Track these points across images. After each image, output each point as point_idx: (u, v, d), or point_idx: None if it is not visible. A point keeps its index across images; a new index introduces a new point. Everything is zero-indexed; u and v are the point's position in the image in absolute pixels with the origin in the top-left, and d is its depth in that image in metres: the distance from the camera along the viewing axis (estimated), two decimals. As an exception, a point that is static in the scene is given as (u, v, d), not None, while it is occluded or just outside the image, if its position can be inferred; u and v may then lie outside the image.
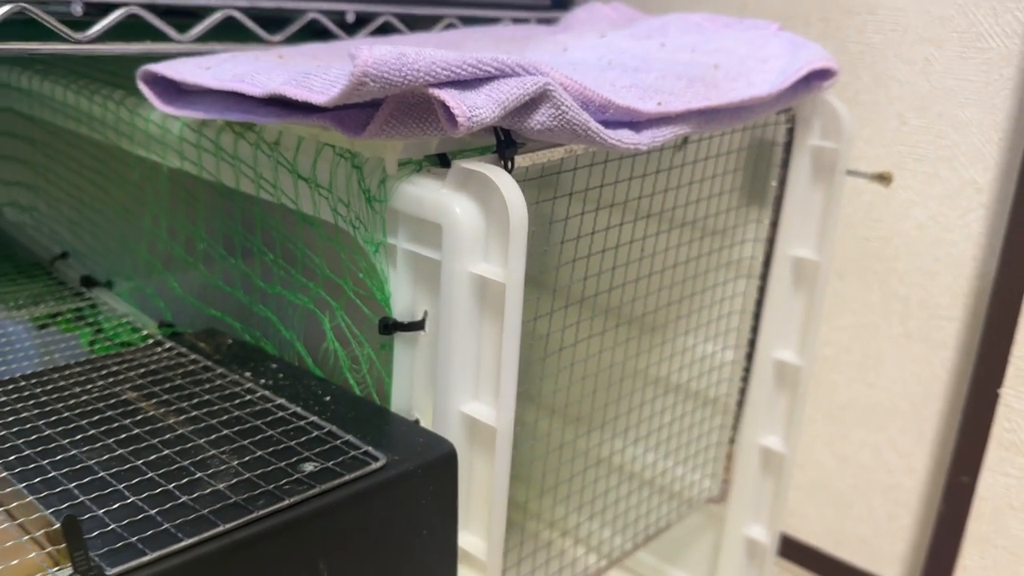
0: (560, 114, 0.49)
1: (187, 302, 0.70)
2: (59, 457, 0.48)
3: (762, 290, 0.81)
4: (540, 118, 0.49)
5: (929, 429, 0.90)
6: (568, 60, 0.68)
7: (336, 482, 0.46)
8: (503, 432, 0.51)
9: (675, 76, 0.63)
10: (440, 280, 0.50)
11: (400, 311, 0.54)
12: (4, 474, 0.47)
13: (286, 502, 0.44)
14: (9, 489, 0.45)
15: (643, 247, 0.74)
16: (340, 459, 0.48)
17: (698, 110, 0.61)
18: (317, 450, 0.49)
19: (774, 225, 0.79)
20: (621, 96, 0.55)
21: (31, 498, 0.44)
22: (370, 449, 0.49)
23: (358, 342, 0.56)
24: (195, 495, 0.45)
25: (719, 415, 0.86)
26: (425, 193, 0.50)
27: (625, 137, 0.54)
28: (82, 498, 0.44)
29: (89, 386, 0.57)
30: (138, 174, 0.71)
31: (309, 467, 0.48)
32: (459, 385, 0.52)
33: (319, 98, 0.47)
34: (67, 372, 0.60)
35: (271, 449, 0.49)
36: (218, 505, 0.44)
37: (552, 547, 0.84)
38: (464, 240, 0.49)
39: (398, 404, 0.55)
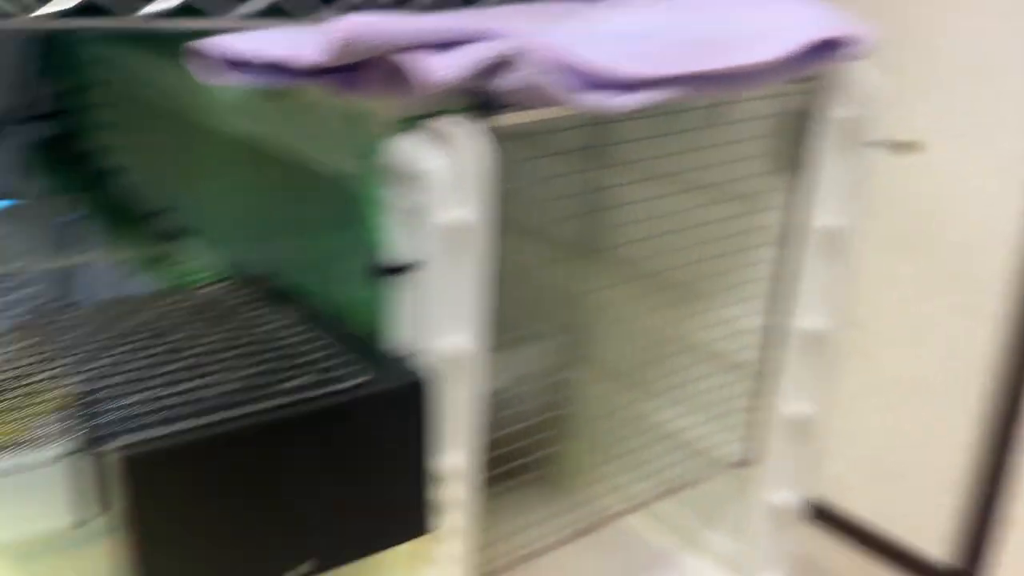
0: (526, 76, 0.54)
1: (244, 252, 0.79)
2: (104, 358, 0.58)
3: (790, 257, 0.83)
4: (511, 80, 0.54)
5: (976, 403, 0.89)
6: (589, 32, 0.72)
7: (320, 391, 0.54)
8: (476, 360, 0.57)
9: (678, 42, 0.66)
10: (423, 227, 0.57)
11: (393, 256, 0.60)
12: (57, 368, 0.57)
13: (273, 403, 0.52)
14: (58, 378, 0.55)
15: (664, 207, 0.78)
16: (327, 377, 0.56)
17: (693, 74, 0.64)
18: (310, 369, 0.57)
19: (802, 192, 0.81)
20: (604, 60, 0.59)
21: (71, 384, 0.54)
22: (353, 370, 0.57)
23: (360, 285, 0.64)
24: (199, 395, 0.53)
25: (747, 380, 0.88)
26: (409, 148, 0.56)
27: (604, 99, 0.59)
28: (107, 387, 0.53)
29: (148, 310, 0.68)
30: (207, 142, 0.81)
31: (297, 382, 0.55)
32: (440, 320, 0.58)
33: (309, 60, 0.54)
34: (134, 300, 0.70)
35: (272, 366, 0.57)
36: (216, 403, 0.52)
37: (579, 492, 0.90)
38: (439, 189, 0.55)
39: (391, 340, 0.62)
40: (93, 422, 0.47)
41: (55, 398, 0.55)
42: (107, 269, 0.86)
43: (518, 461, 0.76)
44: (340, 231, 0.64)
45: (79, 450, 0.47)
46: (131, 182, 1.03)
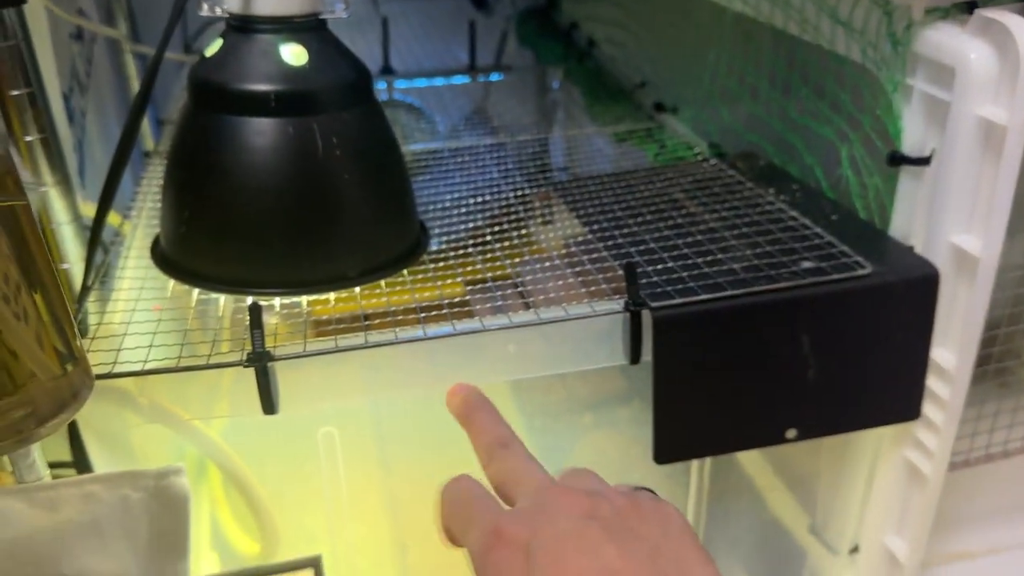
0: (1101, -39, 0.50)
1: (733, 128, 0.83)
2: (624, 231, 0.66)
3: None
4: (1078, -34, 0.50)
5: None
6: None
7: (824, 278, 0.57)
8: (986, 264, 0.56)
9: None
10: (947, 120, 0.56)
11: (909, 146, 0.60)
12: (589, 236, 0.66)
13: (781, 284, 0.56)
14: (592, 247, 0.65)
15: None
16: (832, 262, 0.59)
17: None
18: (815, 253, 0.60)
19: None
20: None
21: (605, 253, 0.63)
22: (860, 259, 0.59)
23: (868, 172, 0.64)
24: (715, 269, 0.59)
25: None
26: (944, 38, 0.55)
27: None
28: (638, 259, 0.62)
29: (651, 185, 0.75)
30: (707, 17, 0.85)
31: (806, 264, 0.59)
32: (953, 218, 0.57)
33: (856, -47, 0.54)
34: (637, 174, 0.78)
35: (778, 247, 0.62)
36: (730, 278, 0.58)
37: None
38: (975, 84, 0.53)
39: (896, 230, 0.63)
40: (636, 282, 0.55)
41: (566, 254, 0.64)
42: (595, 140, 0.96)
43: (984, 366, 0.74)
44: (853, 115, 0.65)
45: (625, 308, 0.55)
46: (611, 56, 1.12)
